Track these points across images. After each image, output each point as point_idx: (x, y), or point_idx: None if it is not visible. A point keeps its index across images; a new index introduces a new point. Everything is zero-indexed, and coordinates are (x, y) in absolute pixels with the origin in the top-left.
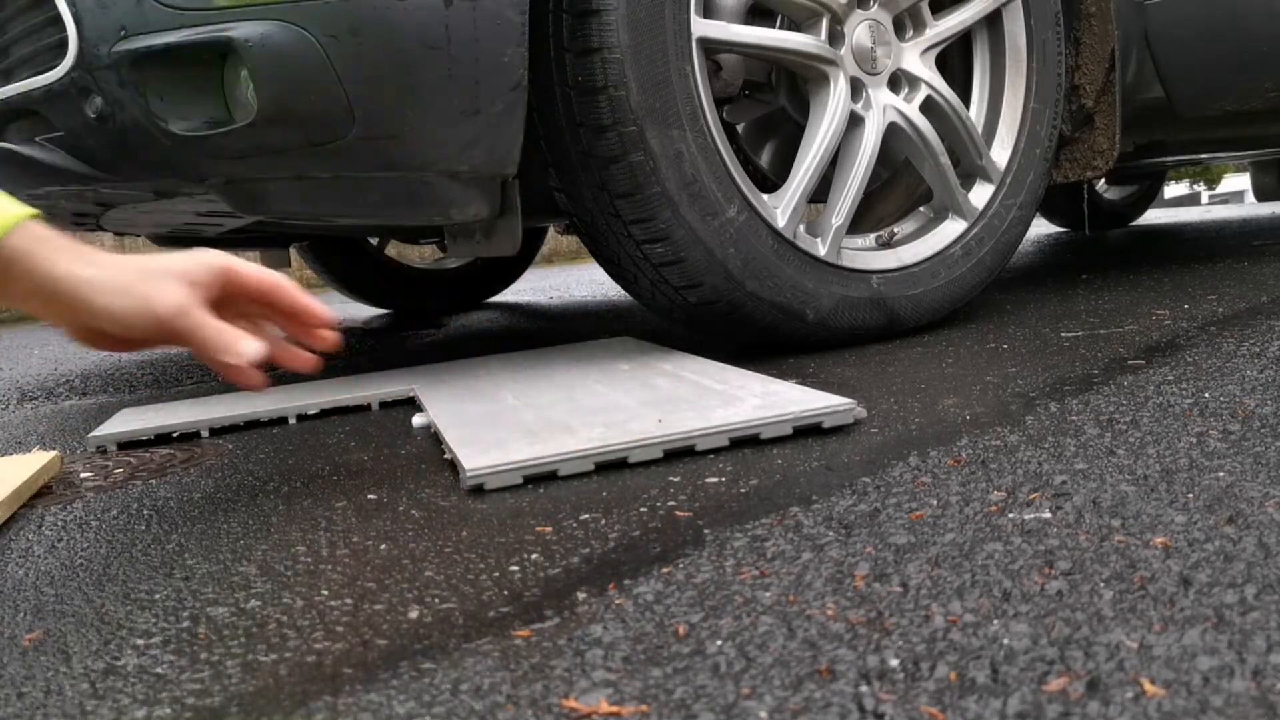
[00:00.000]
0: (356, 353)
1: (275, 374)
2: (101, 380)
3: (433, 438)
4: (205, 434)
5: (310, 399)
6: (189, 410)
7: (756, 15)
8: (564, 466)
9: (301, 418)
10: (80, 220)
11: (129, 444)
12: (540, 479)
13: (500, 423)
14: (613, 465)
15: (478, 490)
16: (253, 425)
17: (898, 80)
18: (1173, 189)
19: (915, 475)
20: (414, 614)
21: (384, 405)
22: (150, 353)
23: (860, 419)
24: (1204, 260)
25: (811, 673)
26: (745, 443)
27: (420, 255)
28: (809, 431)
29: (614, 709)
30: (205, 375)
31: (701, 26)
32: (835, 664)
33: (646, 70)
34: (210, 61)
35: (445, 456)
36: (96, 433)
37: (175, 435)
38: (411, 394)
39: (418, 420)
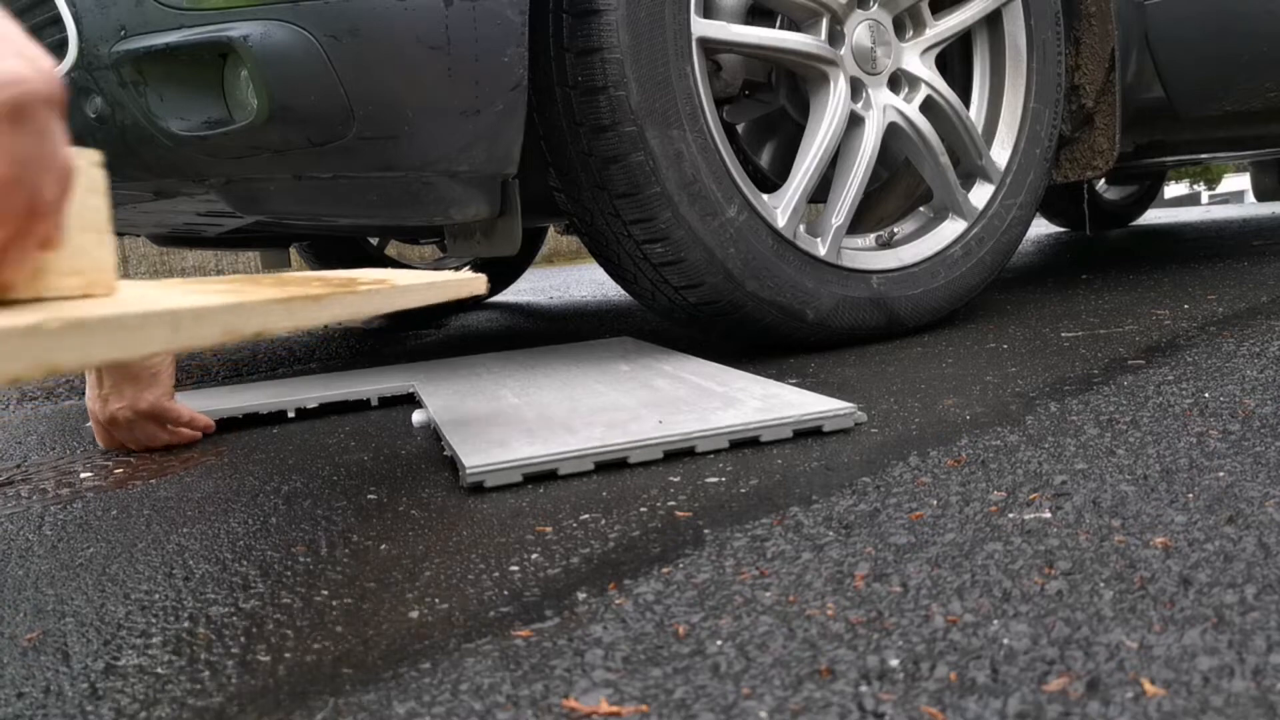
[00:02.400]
0: (356, 352)
1: (275, 372)
2: None
3: (432, 435)
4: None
5: (309, 393)
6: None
7: (756, 15)
8: (564, 466)
9: (300, 411)
10: None
11: None
12: (540, 478)
13: (500, 421)
14: (613, 465)
15: (477, 488)
16: (251, 419)
17: (898, 80)
18: (1173, 189)
19: (915, 475)
20: (414, 614)
21: (384, 402)
22: None
23: (860, 423)
24: (1204, 260)
25: (811, 673)
26: (745, 444)
27: (420, 255)
28: (809, 433)
29: (614, 709)
30: (204, 375)
31: (701, 26)
32: (835, 664)
33: (646, 70)
34: (210, 61)
35: (445, 454)
36: None
37: None
38: (411, 391)
39: (417, 418)
